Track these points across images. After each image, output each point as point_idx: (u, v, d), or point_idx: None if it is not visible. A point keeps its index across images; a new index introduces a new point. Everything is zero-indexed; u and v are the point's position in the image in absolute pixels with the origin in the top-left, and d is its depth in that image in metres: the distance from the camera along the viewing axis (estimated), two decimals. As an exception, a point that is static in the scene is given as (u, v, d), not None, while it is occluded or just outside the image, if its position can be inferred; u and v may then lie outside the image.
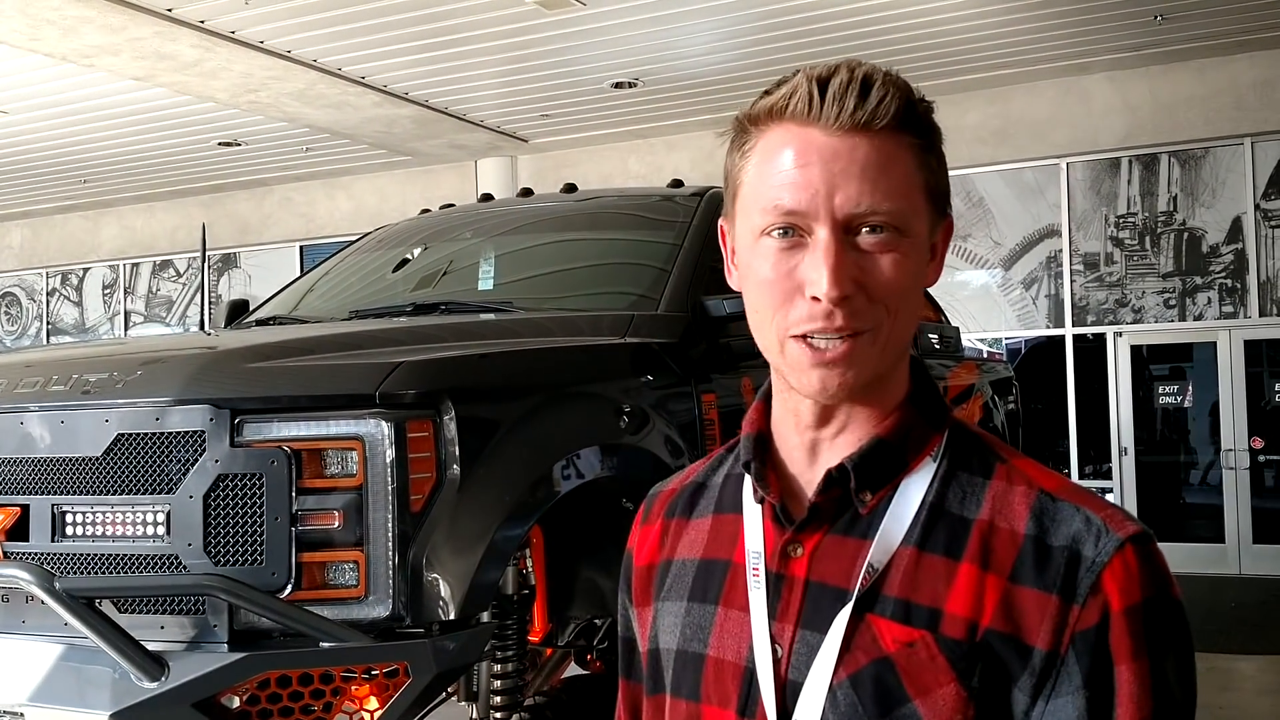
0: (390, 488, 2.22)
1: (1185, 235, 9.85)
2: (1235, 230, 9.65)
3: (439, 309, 3.29)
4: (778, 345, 1.00)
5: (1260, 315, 9.57)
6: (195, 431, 2.24)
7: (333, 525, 2.22)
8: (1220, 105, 9.51)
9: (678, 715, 1.08)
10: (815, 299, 0.96)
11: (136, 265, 15.16)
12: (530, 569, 2.85)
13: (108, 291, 15.39)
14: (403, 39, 8.70)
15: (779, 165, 1.00)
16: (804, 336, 0.98)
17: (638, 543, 1.22)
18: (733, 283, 1.11)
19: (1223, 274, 9.73)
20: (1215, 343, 9.84)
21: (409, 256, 4.10)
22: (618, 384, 2.82)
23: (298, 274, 13.67)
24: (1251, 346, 9.70)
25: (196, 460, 2.23)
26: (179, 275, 14.92)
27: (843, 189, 0.97)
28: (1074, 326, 10.28)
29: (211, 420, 2.23)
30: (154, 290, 15.08)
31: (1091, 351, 10.28)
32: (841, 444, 1.04)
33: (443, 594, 2.26)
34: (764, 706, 1.00)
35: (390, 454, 2.22)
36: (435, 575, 2.25)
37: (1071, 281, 10.29)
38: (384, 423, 2.23)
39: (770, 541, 1.05)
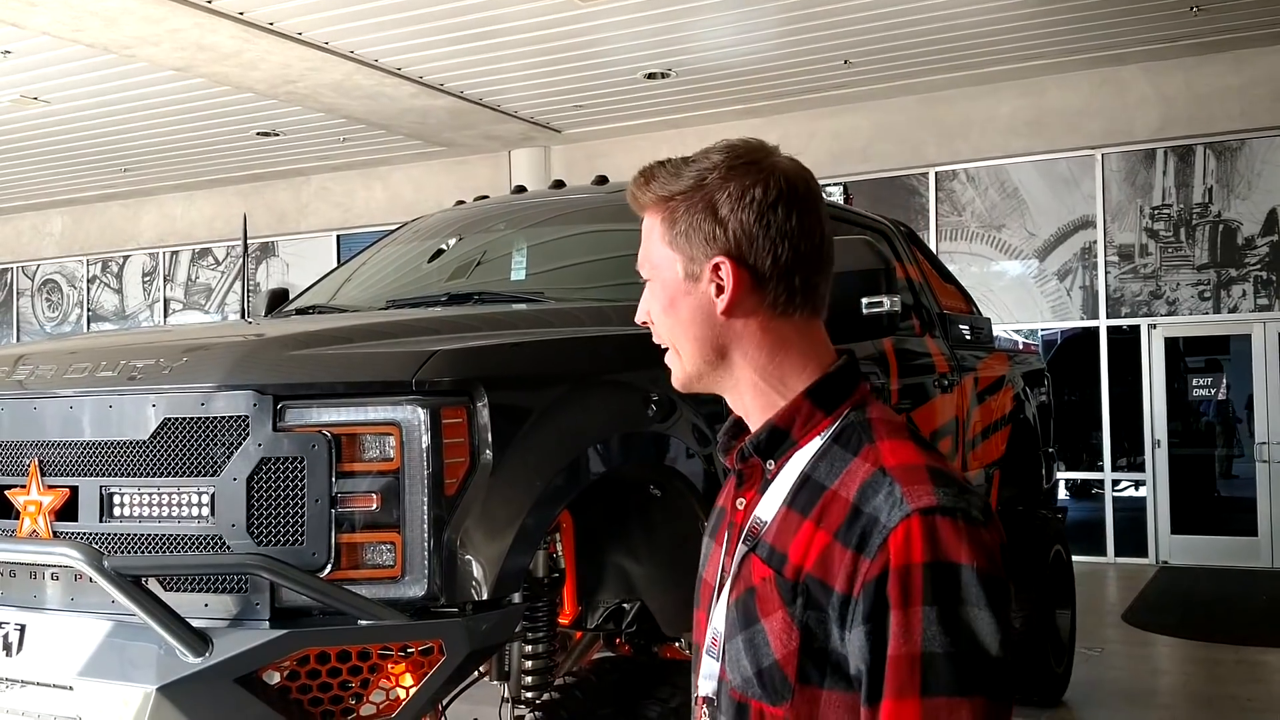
0: (426, 472, 2.29)
1: (1220, 227, 9.79)
2: (1271, 222, 9.58)
3: (473, 299, 3.36)
4: None
5: (1296, 307, 9.51)
6: (239, 416, 2.32)
7: (370, 507, 2.29)
8: (1257, 96, 9.43)
9: (695, 620, 1.44)
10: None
11: (176, 253, 15.36)
12: (560, 553, 2.92)
13: (147, 279, 15.61)
14: (439, 30, 8.78)
15: None
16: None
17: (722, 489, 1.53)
18: None
19: (1258, 266, 9.66)
20: (1250, 335, 9.77)
21: (444, 248, 4.18)
22: (646, 373, 2.87)
23: (335, 263, 13.85)
24: (1287, 338, 9.63)
25: (240, 444, 2.31)
26: (218, 263, 15.11)
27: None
28: (1108, 318, 10.24)
29: (255, 405, 2.31)
30: (193, 278, 15.28)
31: (1126, 343, 10.23)
32: (753, 422, 1.36)
33: (476, 575, 2.33)
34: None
35: (426, 439, 2.29)
36: (469, 557, 2.32)
37: (1106, 273, 10.24)
38: (420, 409, 2.30)
39: (733, 496, 1.39)
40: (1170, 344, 10.10)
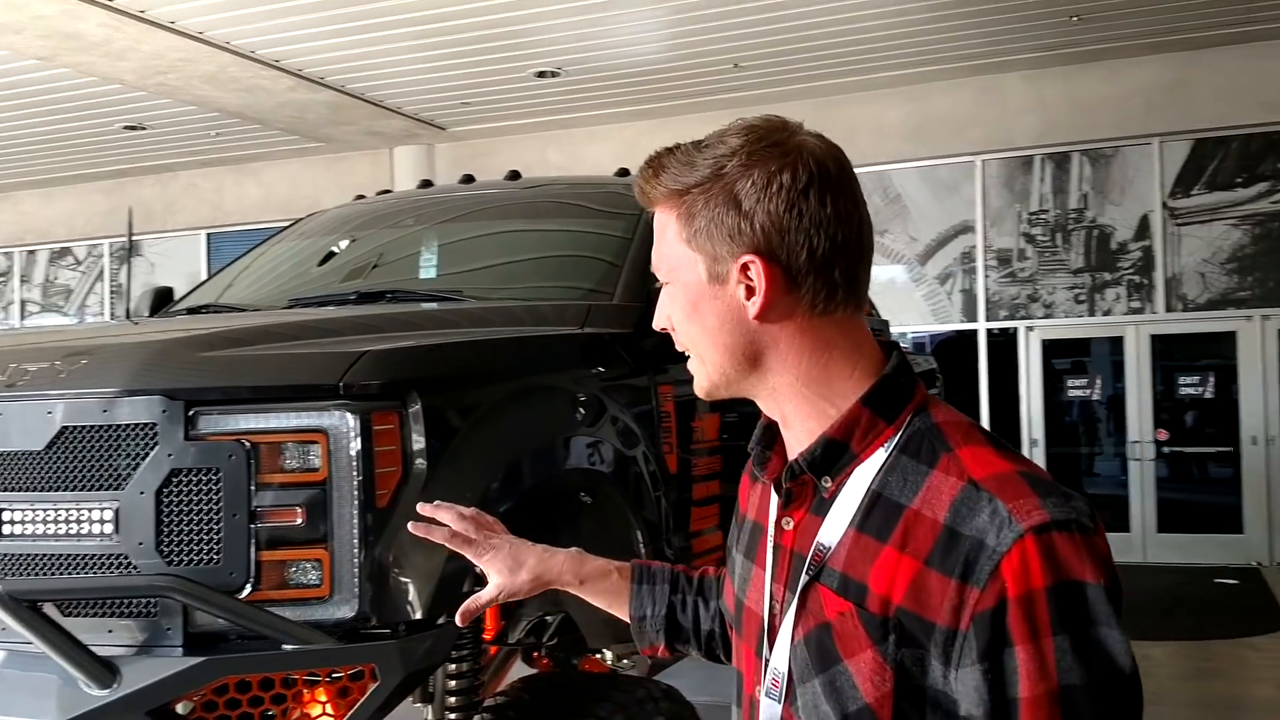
0: (355, 482, 2.13)
1: (1095, 232, 10.09)
2: (1143, 228, 9.92)
3: (385, 298, 3.18)
4: None
5: (1166, 311, 9.85)
6: (146, 424, 2.12)
7: (294, 522, 2.12)
8: (1131, 105, 9.75)
9: (736, 648, 1.34)
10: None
11: (33, 252, 14.58)
12: (485, 565, 2.77)
13: (2, 279, 14.78)
14: (320, 21, 8.48)
15: None
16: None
17: (741, 490, 1.44)
18: None
19: (1130, 270, 9.99)
20: (1122, 337, 10.09)
21: (345, 244, 3.98)
22: (579, 375, 2.75)
23: (204, 263, 13.33)
24: (1157, 341, 9.97)
25: (148, 454, 2.11)
26: (78, 263, 14.39)
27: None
28: (987, 321, 10.47)
29: (164, 412, 2.11)
30: (51, 278, 14.52)
31: (1004, 345, 10.48)
32: (794, 435, 1.23)
33: (409, 593, 2.18)
34: (765, 650, 1.22)
35: (355, 447, 2.13)
36: (402, 573, 2.16)
37: (985, 277, 10.47)
38: (348, 414, 2.14)
39: (777, 514, 1.25)
40: (1046, 346, 10.37)
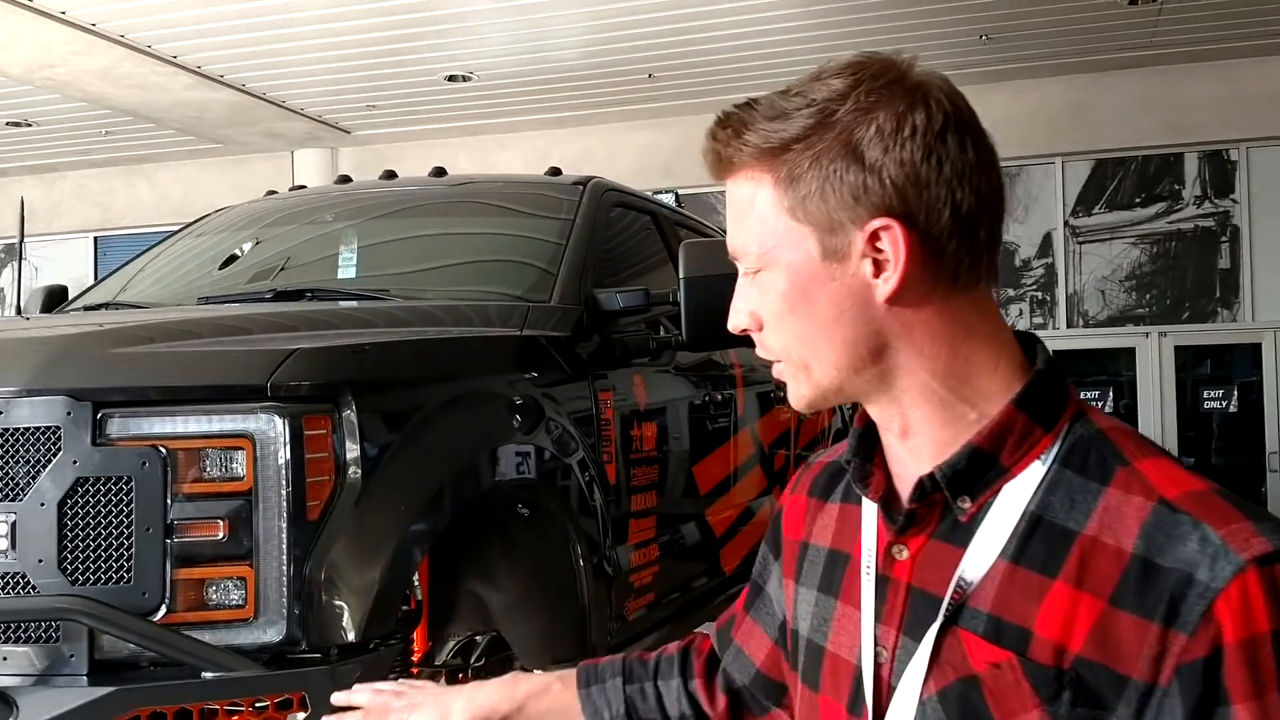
0: (284, 492, 1.95)
1: (1000, 249, 10.21)
2: (1046, 245, 10.08)
3: (305, 296, 2.98)
4: None
5: (1067, 327, 10.02)
6: (49, 427, 1.91)
7: (216, 536, 1.93)
8: (1036, 125, 9.90)
9: (804, 700, 1.11)
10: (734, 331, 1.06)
11: (-96, 252, 13.82)
12: (416, 583, 2.60)
13: None
14: (221, 17, 8.14)
15: None
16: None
17: (787, 511, 1.23)
18: None
19: (1034, 287, 10.14)
20: (1032, 337, 10.21)
21: (256, 240, 3.76)
22: (519, 380, 2.60)
23: (92, 267, 12.76)
24: (1058, 356, 10.07)
25: (50, 461, 1.90)
26: (-46, 265, 13.68)
27: (728, 231, 1.03)
28: (896, 336, 10.53)
29: (69, 414, 1.90)
30: (-76, 280, 13.78)
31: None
32: (917, 445, 1.01)
33: (342, 613, 2.00)
34: (867, 708, 1.01)
35: (284, 454, 1.95)
36: (334, 592, 1.98)
37: (894, 292, 10.53)
38: (277, 418, 1.95)
39: (881, 540, 1.03)
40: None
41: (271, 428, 1.94)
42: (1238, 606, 0.84)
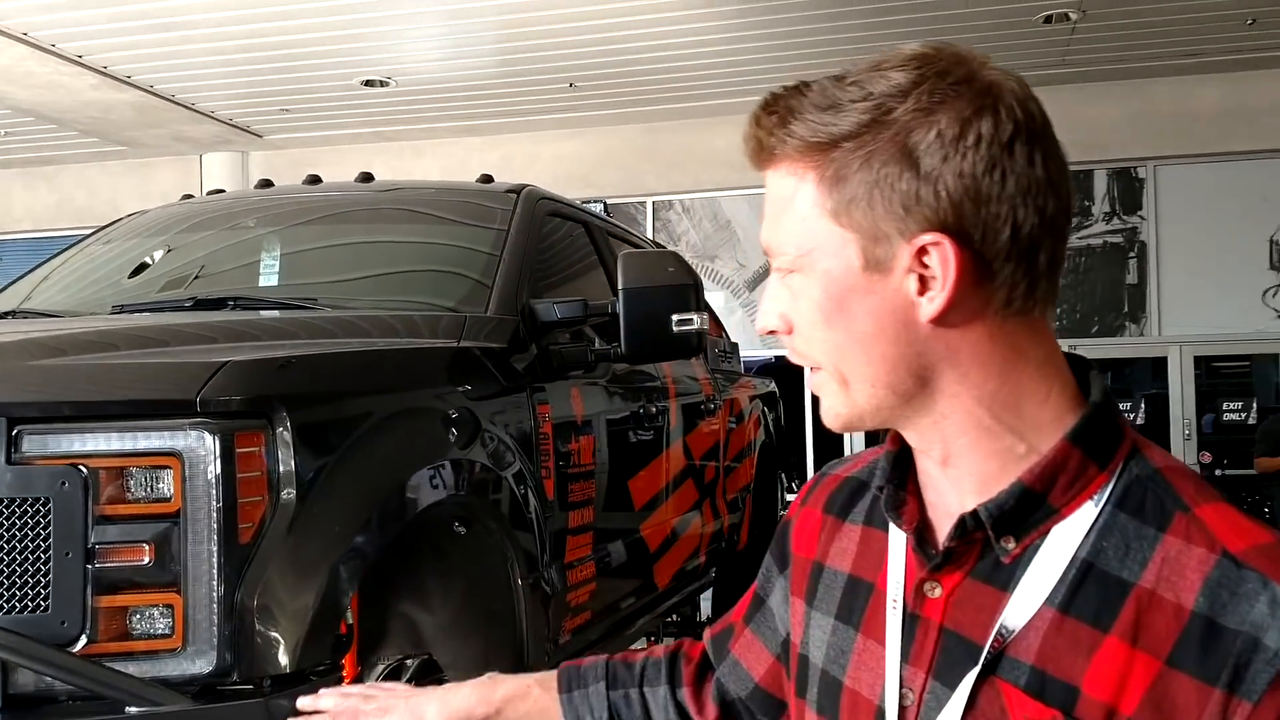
0: (214, 514, 1.83)
1: (1062, 272, 10.33)
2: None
3: (227, 305, 2.85)
4: None
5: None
6: (-44, 445, 1.77)
7: (141, 561, 1.80)
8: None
9: None
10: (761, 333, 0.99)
11: None
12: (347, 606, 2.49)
13: None
14: (129, 16, 7.87)
15: None
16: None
17: (798, 524, 1.16)
18: None
19: (950, 300, 10.29)
20: (1085, 361, 10.36)
21: (171, 247, 3.60)
22: (459, 393, 2.50)
23: (-12, 271, 12.26)
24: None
25: (-42, 481, 1.76)
26: None
27: (763, 226, 0.96)
28: (813, 347, 10.59)
29: (-20, 430, 1.77)
30: None
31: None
32: (958, 477, 0.94)
33: (276, 642, 1.88)
34: None
35: (215, 473, 1.83)
36: (268, 620, 1.87)
37: (812, 304, 10.61)
38: (208, 435, 1.84)
39: (910, 573, 0.96)
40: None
41: (201, 445, 1.83)
42: None
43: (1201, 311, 9.61)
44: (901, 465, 0.99)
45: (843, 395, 0.94)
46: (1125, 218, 9.85)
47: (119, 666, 1.76)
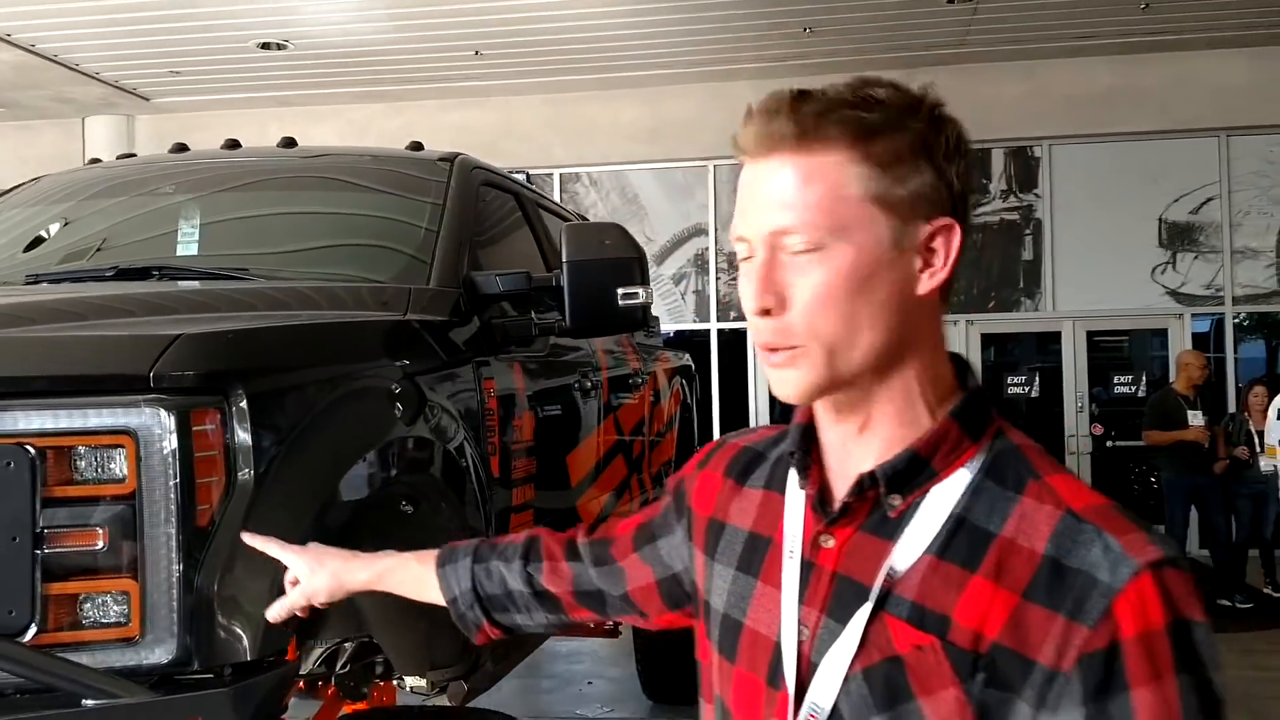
0: (171, 495, 1.74)
1: None
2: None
3: (152, 275, 2.71)
4: (758, 351, 1.09)
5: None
6: (-111, 423, 1.64)
7: (94, 546, 1.70)
8: (854, 117, 10.15)
9: (721, 672, 1.19)
10: (754, 313, 1.06)
11: None
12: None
13: None
14: (10, -31, 7.50)
15: (737, 196, 1.10)
16: (760, 344, 1.07)
17: (698, 485, 1.30)
18: None
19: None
20: (960, 356, 10.50)
21: (78, 215, 3.42)
22: (414, 367, 2.42)
23: None
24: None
25: (-108, 463, 1.63)
26: None
27: (762, 210, 1.05)
28: (718, 321, 10.65)
29: (-85, 408, 1.64)
30: None
31: (734, 345, 10.69)
32: (869, 441, 1.09)
33: (238, 628, 1.80)
34: (786, 681, 1.09)
35: (172, 452, 1.73)
36: (229, 606, 1.78)
37: (717, 278, 10.65)
38: (163, 411, 1.74)
39: (807, 527, 1.12)
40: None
41: (156, 423, 1.72)
42: (1135, 605, 0.95)
43: (1094, 288, 9.92)
44: (808, 436, 1.14)
45: (823, 365, 1.05)
46: (1021, 195, 10.09)
47: (72, 657, 1.66)
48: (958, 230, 1.05)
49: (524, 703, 5.51)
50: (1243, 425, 8.03)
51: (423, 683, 2.94)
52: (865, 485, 1.06)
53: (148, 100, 10.64)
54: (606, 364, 4.06)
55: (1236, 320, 10.03)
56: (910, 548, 1.04)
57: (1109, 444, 9.87)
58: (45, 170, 3.88)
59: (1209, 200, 9.90)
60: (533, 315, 3.15)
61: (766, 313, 1.05)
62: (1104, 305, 9.94)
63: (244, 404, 1.84)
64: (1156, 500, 8.73)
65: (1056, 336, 10.10)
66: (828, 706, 1.05)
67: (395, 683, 3.04)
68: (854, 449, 1.09)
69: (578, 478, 3.57)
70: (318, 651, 2.80)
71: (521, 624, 1.48)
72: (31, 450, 1.67)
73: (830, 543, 1.08)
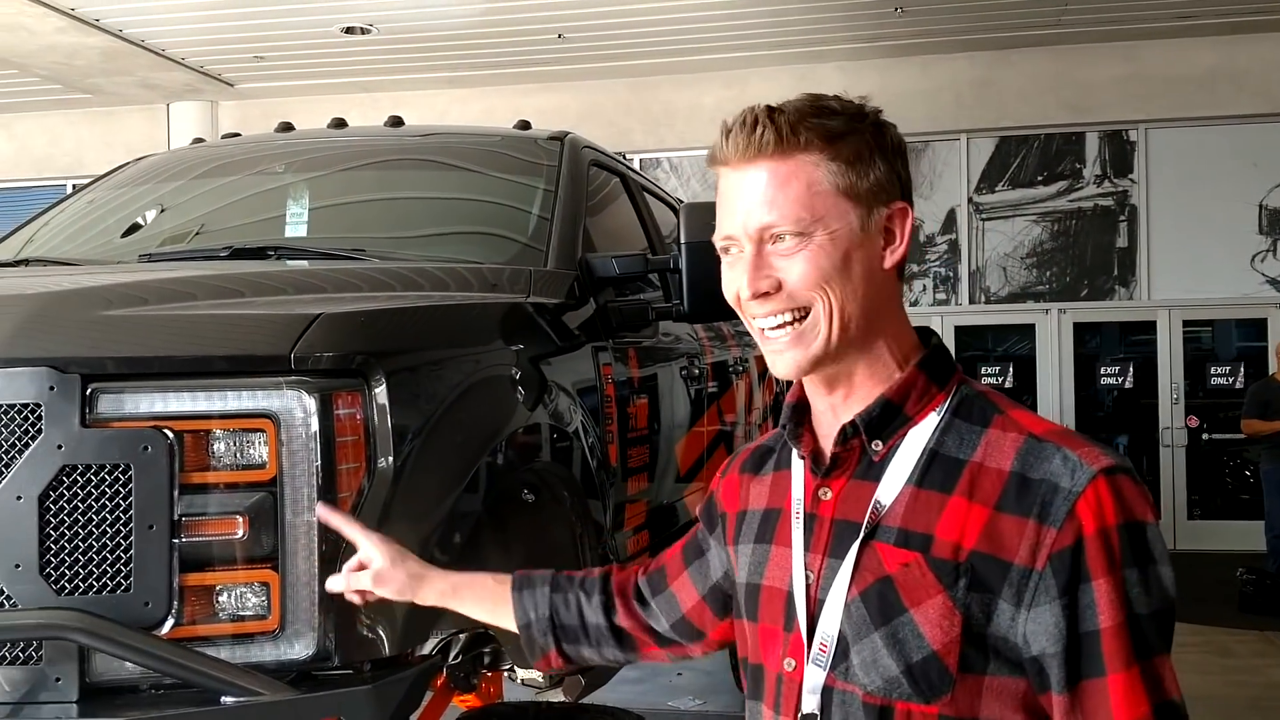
0: (314, 482, 1.66)
1: None
2: (950, 221, 10.13)
3: (269, 255, 2.64)
4: (758, 337, 1.25)
5: (970, 303, 10.10)
6: (26, 405, 1.59)
7: (233, 534, 1.63)
8: (942, 101, 9.92)
9: (748, 635, 1.33)
10: (750, 298, 1.21)
11: None
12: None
13: None
14: (100, -46, 7.53)
15: (718, 202, 1.26)
16: (762, 329, 1.23)
17: (723, 490, 1.46)
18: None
19: (937, 263, 10.19)
20: (928, 328, 10.26)
21: (186, 195, 3.37)
22: (540, 352, 2.33)
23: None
24: (961, 332, 10.22)
25: (28, 446, 1.58)
26: None
27: (748, 210, 1.21)
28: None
29: (52, 389, 1.58)
30: None
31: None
32: (853, 405, 1.25)
33: (381, 623, 1.72)
34: (799, 620, 1.24)
35: (313, 435, 1.65)
36: (369, 600, 1.70)
37: (798, 264, 10.47)
38: (305, 394, 1.66)
39: (808, 488, 1.28)
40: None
41: (299, 406, 1.65)
42: (1093, 505, 1.11)
43: (1190, 275, 9.59)
44: (800, 411, 1.30)
45: (819, 335, 1.20)
46: (1116, 181, 9.78)
47: (209, 651, 1.59)
48: (909, 212, 1.24)
49: (613, 694, 5.43)
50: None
51: (537, 675, 2.86)
52: (848, 434, 1.23)
53: (231, 86, 10.69)
54: (711, 351, 3.95)
55: (1340, 310, 9.64)
56: (893, 483, 1.20)
57: (1205, 437, 9.56)
58: (130, 156, 3.85)
59: (1313, 185, 9.53)
60: (644, 299, 3.05)
61: (765, 295, 1.20)
62: (1200, 294, 9.61)
63: (383, 386, 1.76)
64: (1253, 494, 8.42)
65: (1151, 326, 9.78)
66: (834, 633, 1.19)
67: (506, 674, 2.97)
68: (842, 413, 1.25)
69: (686, 466, 3.47)
70: (432, 642, 2.74)
71: (588, 657, 1.56)
72: (169, 434, 1.60)
73: (828, 494, 1.24)
